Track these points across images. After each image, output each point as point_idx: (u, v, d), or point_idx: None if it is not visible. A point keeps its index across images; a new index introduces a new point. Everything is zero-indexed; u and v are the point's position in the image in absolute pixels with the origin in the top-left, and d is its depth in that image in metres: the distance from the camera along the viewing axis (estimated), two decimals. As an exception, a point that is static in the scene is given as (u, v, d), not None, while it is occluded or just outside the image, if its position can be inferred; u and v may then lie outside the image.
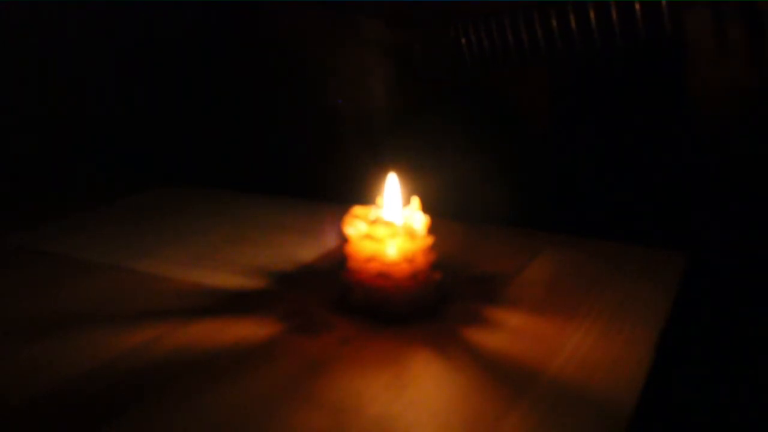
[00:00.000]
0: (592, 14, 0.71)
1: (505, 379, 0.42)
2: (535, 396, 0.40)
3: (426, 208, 0.52)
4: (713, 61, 0.68)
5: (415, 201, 0.53)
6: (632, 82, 0.75)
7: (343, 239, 0.52)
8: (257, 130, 1.04)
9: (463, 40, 0.82)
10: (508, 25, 0.77)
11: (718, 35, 0.66)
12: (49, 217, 0.76)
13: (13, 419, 0.40)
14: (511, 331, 0.48)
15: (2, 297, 0.57)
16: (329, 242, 0.65)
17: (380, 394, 0.40)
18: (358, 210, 0.52)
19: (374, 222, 0.50)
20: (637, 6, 0.69)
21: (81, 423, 0.39)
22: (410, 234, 0.50)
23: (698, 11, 0.67)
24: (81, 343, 0.48)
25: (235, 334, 0.48)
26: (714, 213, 0.71)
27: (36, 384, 0.43)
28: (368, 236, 0.50)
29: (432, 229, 0.52)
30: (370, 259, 0.49)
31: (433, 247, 0.51)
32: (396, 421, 0.38)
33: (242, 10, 1.00)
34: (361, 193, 0.58)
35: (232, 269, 0.60)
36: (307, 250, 0.64)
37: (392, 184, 0.53)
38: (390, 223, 0.50)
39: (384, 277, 0.49)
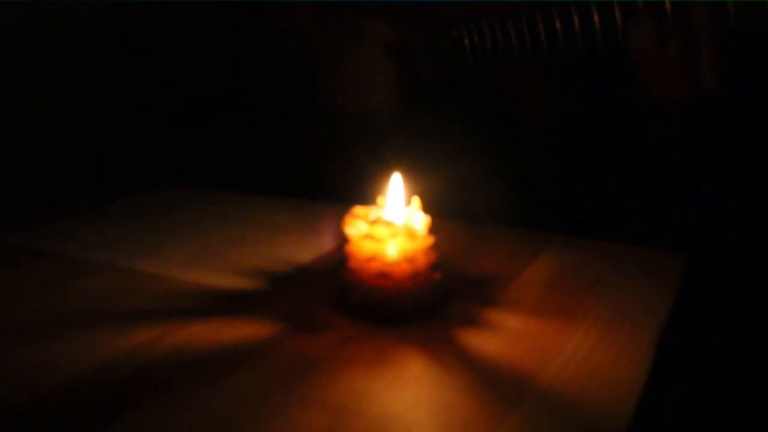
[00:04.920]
0: (595, 14, 0.71)
1: (506, 379, 0.42)
2: (535, 396, 0.40)
3: (426, 208, 0.52)
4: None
5: (416, 201, 0.52)
6: (632, 82, 0.75)
7: (344, 239, 0.52)
8: (258, 129, 1.04)
9: (465, 40, 0.82)
10: (510, 25, 0.77)
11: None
12: (49, 217, 0.76)
13: (14, 419, 0.40)
14: (512, 332, 0.48)
15: (2, 297, 0.57)
16: (329, 242, 0.65)
17: (380, 394, 0.40)
18: (358, 210, 0.52)
19: (375, 222, 0.50)
20: (640, 5, 0.69)
21: (81, 423, 0.39)
22: (411, 234, 0.50)
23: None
24: (81, 343, 0.48)
25: (235, 334, 0.48)
26: (714, 213, 0.71)
27: (36, 384, 0.43)
28: (369, 236, 0.50)
29: (432, 229, 0.52)
30: (371, 259, 0.49)
31: (433, 247, 0.51)
32: (396, 422, 0.38)
33: (244, 9, 1.00)
34: (362, 192, 0.58)
35: (232, 269, 0.60)
36: (308, 250, 0.64)
37: (395, 183, 0.53)
38: (390, 223, 0.50)
39: (384, 277, 0.49)
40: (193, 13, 1.03)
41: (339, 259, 0.53)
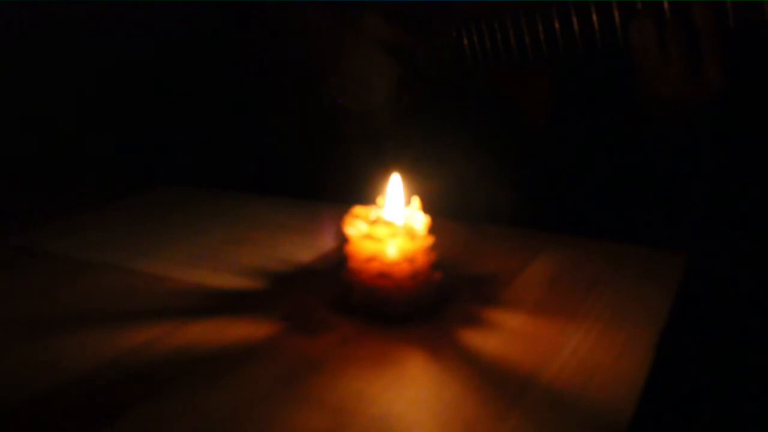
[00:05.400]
0: (594, 15, 0.71)
1: (506, 379, 0.42)
2: (535, 396, 0.40)
3: (426, 208, 0.52)
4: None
5: (416, 201, 0.53)
6: (632, 82, 0.75)
7: (344, 239, 0.52)
8: (258, 129, 1.04)
9: (465, 41, 0.82)
10: (509, 26, 0.77)
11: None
12: (49, 217, 0.76)
13: (13, 419, 0.40)
14: (512, 332, 0.48)
15: (2, 297, 0.57)
16: (329, 242, 0.65)
17: (380, 394, 0.40)
18: (358, 210, 0.52)
19: (375, 222, 0.50)
20: (639, 5, 0.69)
21: (81, 423, 0.39)
22: (411, 234, 0.50)
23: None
24: (81, 343, 0.48)
25: (235, 334, 0.48)
26: (714, 213, 0.72)
27: (36, 384, 0.43)
28: (369, 236, 0.50)
29: (432, 229, 0.52)
30: (371, 259, 0.49)
31: (433, 247, 0.51)
32: (396, 422, 0.38)
33: (244, 9, 1.00)
34: (362, 193, 0.58)
35: (232, 269, 0.60)
36: (308, 250, 0.64)
37: (395, 183, 0.53)
38: (390, 223, 0.50)
39: (384, 277, 0.49)
40: (193, 13, 1.03)
41: (339, 259, 0.53)
